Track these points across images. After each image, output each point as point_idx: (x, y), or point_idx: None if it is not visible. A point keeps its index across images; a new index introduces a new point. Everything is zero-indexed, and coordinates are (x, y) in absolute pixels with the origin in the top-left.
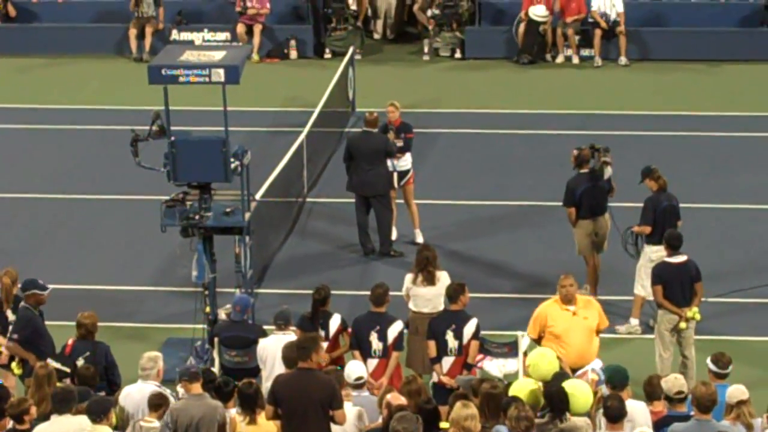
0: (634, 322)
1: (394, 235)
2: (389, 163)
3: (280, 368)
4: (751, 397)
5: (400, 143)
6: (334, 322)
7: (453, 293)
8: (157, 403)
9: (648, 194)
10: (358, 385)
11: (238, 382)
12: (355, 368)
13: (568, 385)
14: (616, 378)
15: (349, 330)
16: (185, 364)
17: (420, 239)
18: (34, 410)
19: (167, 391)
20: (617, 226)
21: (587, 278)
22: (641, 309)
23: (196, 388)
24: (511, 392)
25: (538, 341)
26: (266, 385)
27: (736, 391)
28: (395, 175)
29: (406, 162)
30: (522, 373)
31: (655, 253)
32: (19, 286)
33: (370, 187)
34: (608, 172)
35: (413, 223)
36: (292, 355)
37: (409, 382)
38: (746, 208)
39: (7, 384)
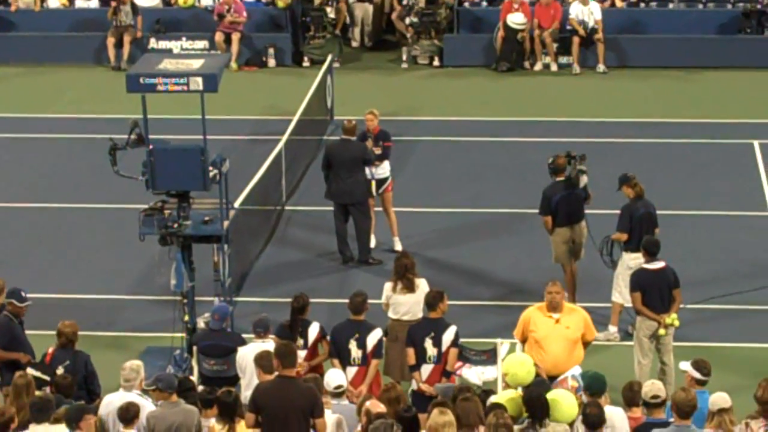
0: (613, 329)
1: (372, 243)
2: (367, 171)
3: None
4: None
5: (378, 151)
6: (313, 330)
7: (432, 301)
8: (128, 418)
9: (625, 201)
10: (338, 393)
11: (217, 390)
12: (334, 376)
13: (553, 394)
14: (594, 385)
15: (328, 338)
16: (164, 372)
17: (399, 247)
18: (16, 419)
19: (148, 400)
20: (592, 236)
21: (566, 286)
22: (619, 316)
23: (174, 397)
24: (495, 401)
25: (523, 343)
26: (245, 394)
27: (718, 399)
28: (374, 183)
29: (384, 170)
30: (501, 381)
31: (632, 260)
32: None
33: (348, 196)
34: (583, 180)
35: (392, 231)
36: (267, 363)
37: (389, 390)
38: (724, 215)
39: None
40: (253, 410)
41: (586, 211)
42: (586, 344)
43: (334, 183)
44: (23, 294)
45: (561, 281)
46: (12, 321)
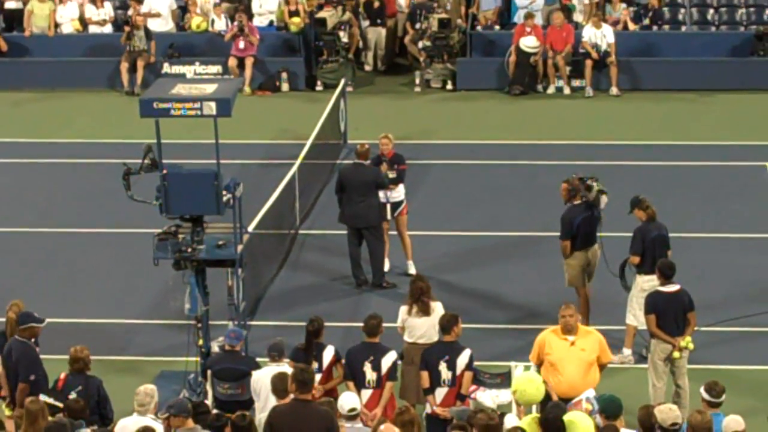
0: (627, 351)
1: (386, 267)
2: (381, 194)
3: (273, 400)
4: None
5: (393, 175)
6: (328, 354)
7: (446, 324)
8: None
9: (637, 224)
10: (352, 416)
11: (231, 414)
12: (348, 399)
13: (570, 416)
14: (610, 408)
15: (343, 361)
16: (178, 397)
17: (413, 270)
18: None
19: (162, 426)
20: (605, 259)
21: (580, 309)
22: (634, 339)
23: (189, 422)
24: (516, 425)
25: (539, 367)
26: (260, 417)
27: (732, 422)
28: (388, 206)
29: (399, 193)
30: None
31: (647, 282)
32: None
33: (361, 219)
34: (604, 201)
35: (406, 254)
36: (283, 386)
37: (402, 413)
38: (737, 238)
39: (8, 419)
40: None
41: (598, 234)
42: (602, 367)
43: (348, 207)
44: (36, 315)
45: (575, 304)
46: (32, 348)
